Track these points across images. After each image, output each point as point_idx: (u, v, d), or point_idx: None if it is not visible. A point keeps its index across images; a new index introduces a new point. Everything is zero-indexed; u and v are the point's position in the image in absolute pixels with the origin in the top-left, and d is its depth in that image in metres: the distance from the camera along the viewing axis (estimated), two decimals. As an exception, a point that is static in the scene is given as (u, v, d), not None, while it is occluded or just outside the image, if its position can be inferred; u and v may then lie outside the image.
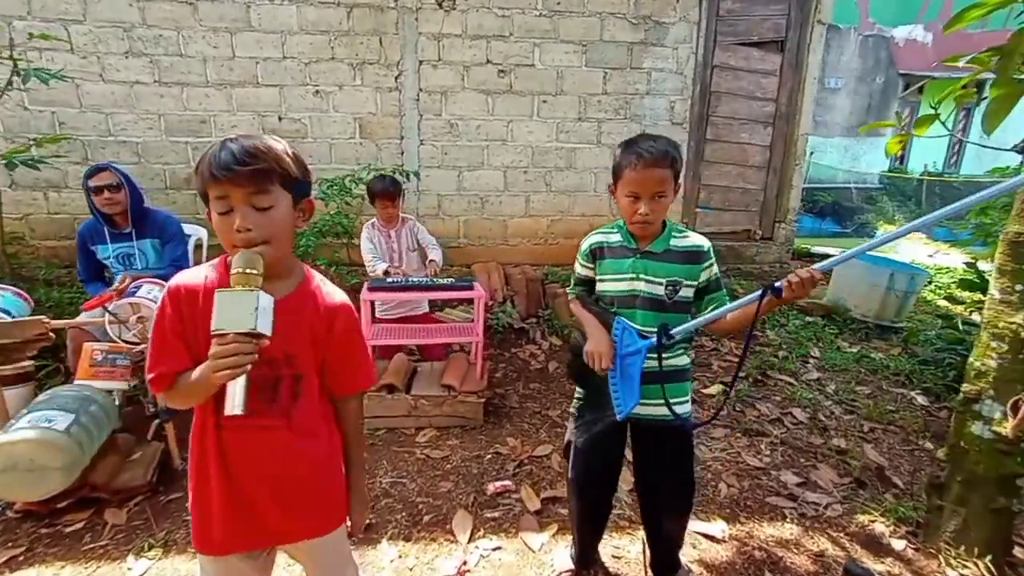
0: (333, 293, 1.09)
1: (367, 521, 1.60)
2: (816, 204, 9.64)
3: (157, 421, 2.27)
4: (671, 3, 4.11)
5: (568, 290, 1.68)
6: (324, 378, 1.09)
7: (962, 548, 1.91)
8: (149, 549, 1.86)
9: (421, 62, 4.10)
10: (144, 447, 2.26)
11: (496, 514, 2.11)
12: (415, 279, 2.75)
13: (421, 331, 2.85)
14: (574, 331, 4.07)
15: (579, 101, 4.25)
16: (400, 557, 1.88)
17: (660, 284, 1.44)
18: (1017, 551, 2.00)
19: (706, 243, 1.48)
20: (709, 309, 1.49)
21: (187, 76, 3.79)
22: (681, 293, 1.45)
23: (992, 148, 2.00)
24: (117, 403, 2.17)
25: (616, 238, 1.51)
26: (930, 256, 6.83)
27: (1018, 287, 1.76)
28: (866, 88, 10.76)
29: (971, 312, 3.76)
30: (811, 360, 3.65)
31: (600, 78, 4.23)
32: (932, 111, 1.93)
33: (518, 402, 3.00)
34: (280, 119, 3.97)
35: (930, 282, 5.31)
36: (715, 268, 1.49)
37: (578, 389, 1.64)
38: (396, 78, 4.10)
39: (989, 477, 1.88)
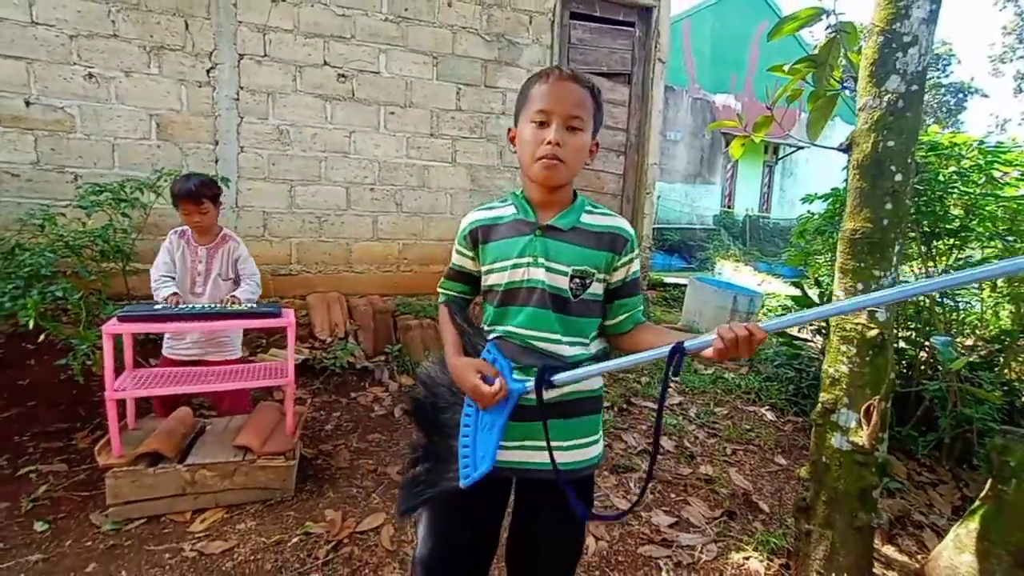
0: None
1: None
2: (665, 242, 10.54)
3: None
4: (524, 24, 4.05)
5: (439, 285, 1.21)
6: None
7: (833, 576, 1.75)
8: None
9: (242, 56, 3.46)
10: None
11: (290, 631, 1.47)
12: (197, 306, 2.04)
13: (207, 376, 2.10)
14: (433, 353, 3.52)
15: (431, 116, 3.91)
16: None
17: (564, 274, 1.03)
18: (875, 567, 1.91)
19: (630, 228, 1.11)
20: (619, 320, 1.11)
21: None
22: (590, 290, 1.06)
23: (822, 147, 2.02)
24: None
25: (508, 211, 1.10)
26: (758, 284, 7.67)
27: (859, 285, 1.70)
28: (699, 142, 12.32)
29: (801, 329, 4.07)
30: (672, 384, 3.58)
31: (453, 93, 3.96)
32: (757, 136, 1.99)
33: (349, 460, 2.37)
34: (28, 104, 2.98)
35: (763, 305, 5.84)
36: (636, 265, 1.12)
37: (416, 435, 1.18)
38: (209, 71, 3.39)
39: (851, 492, 1.76)
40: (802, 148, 13.66)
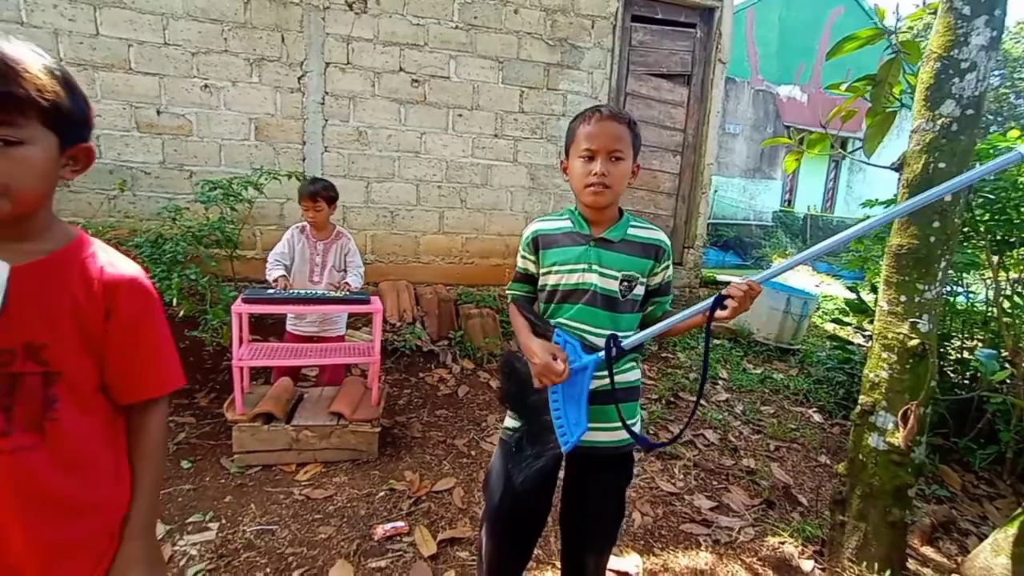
0: (116, 263, 0.80)
1: None
2: (720, 238, 10.36)
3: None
4: (586, 28, 4.20)
5: (507, 288, 1.45)
6: (106, 381, 0.79)
7: (864, 564, 1.89)
8: None
9: (328, 64, 3.82)
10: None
11: (383, 563, 1.79)
12: (303, 291, 2.40)
13: (308, 351, 2.47)
14: (511, 342, 3.83)
15: (495, 118, 4.16)
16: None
17: (615, 278, 1.25)
18: (911, 563, 2.02)
19: (667, 240, 1.33)
20: (651, 309, 1.35)
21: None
22: (635, 291, 1.28)
23: (874, 165, 2.10)
24: None
25: (565, 224, 1.32)
26: (816, 286, 7.47)
27: (903, 298, 1.81)
28: (759, 135, 11.91)
29: (854, 335, 4.05)
30: (720, 382, 3.69)
31: (517, 96, 4.18)
32: (811, 153, 2.06)
33: (421, 431, 2.69)
34: (159, 112, 3.48)
35: (818, 307, 5.75)
36: (671, 270, 1.35)
37: (509, 415, 1.39)
38: (299, 79, 3.79)
39: (885, 489, 1.88)
40: (858, 156, 12.91)
